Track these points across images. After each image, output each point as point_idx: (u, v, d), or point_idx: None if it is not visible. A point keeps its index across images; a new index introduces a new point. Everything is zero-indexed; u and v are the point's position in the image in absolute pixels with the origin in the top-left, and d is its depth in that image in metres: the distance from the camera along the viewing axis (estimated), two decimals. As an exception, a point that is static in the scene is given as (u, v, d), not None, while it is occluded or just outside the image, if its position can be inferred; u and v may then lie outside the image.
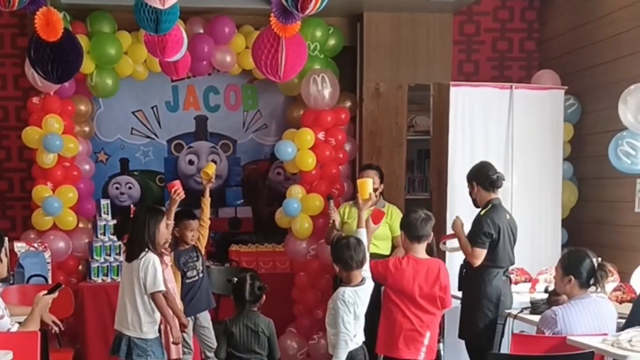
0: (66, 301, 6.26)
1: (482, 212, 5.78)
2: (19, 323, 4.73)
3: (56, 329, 5.11)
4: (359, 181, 5.94)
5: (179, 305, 5.95)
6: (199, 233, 6.37)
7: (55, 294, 4.86)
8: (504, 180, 5.87)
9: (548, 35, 8.19)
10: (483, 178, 5.81)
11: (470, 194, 5.90)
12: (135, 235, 5.34)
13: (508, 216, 5.82)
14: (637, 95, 5.95)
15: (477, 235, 5.68)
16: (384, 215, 5.74)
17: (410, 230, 5.32)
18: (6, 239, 4.86)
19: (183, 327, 5.83)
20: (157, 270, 5.27)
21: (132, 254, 5.32)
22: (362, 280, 5.06)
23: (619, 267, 5.96)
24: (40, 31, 4.90)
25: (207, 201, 6.46)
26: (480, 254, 5.66)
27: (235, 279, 5.16)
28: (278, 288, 6.39)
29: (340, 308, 4.89)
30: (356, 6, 7.50)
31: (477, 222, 5.75)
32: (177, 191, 6.03)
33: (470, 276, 5.81)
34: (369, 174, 6.47)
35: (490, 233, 5.65)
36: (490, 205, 5.77)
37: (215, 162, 7.97)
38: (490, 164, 5.93)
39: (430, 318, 5.29)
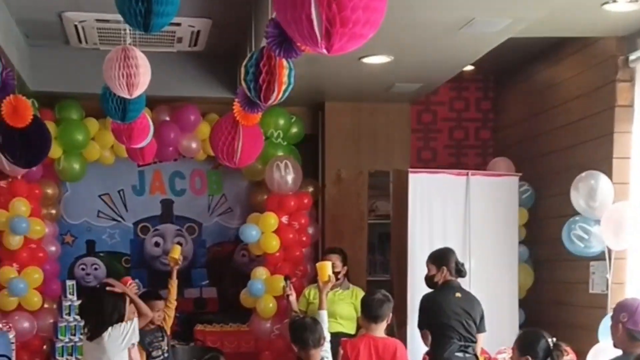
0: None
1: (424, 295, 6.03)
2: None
3: None
4: (318, 264, 6.13)
5: None
6: (165, 313, 6.42)
7: None
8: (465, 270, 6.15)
9: (502, 124, 8.46)
10: (452, 265, 6.01)
11: (432, 276, 6.02)
12: (101, 316, 5.36)
13: (459, 295, 5.97)
14: (588, 182, 6.12)
15: (419, 317, 5.94)
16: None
17: (367, 311, 5.43)
18: None
19: None
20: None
21: (97, 333, 5.34)
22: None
23: (575, 346, 6.01)
24: (8, 118, 4.98)
25: (174, 283, 6.52)
26: (423, 335, 5.90)
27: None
28: (242, 368, 6.46)
29: None
30: (318, 96, 7.74)
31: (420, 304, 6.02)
32: (131, 286, 5.95)
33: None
34: (331, 258, 6.59)
35: (423, 312, 5.92)
36: (440, 286, 6.00)
37: (180, 244, 8.03)
38: (453, 251, 6.15)
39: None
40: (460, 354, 5.89)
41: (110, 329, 5.24)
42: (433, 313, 5.89)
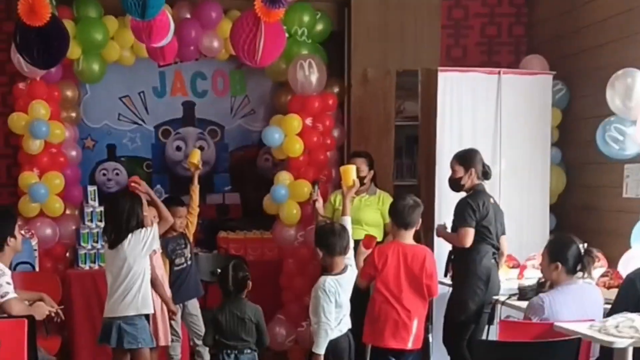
0: (53, 289, 6.27)
1: (464, 197, 5.82)
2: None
3: (56, 318, 5.13)
4: (342, 168, 5.94)
5: (168, 292, 5.94)
6: (187, 220, 6.35)
7: (54, 309, 5.14)
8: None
9: (536, 19, 8.15)
10: (480, 166, 5.85)
11: (459, 178, 5.86)
12: (118, 221, 5.30)
13: (492, 200, 5.87)
14: (624, 80, 5.96)
15: (462, 215, 5.71)
16: (375, 240, 5.68)
17: (397, 218, 5.33)
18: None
19: (172, 314, 5.84)
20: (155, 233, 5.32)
21: (117, 240, 5.28)
22: (345, 269, 5.07)
23: (606, 252, 5.94)
24: (25, 16, 4.86)
25: (195, 188, 6.45)
26: (469, 233, 5.68)
27: (219, 270, 5.18)
28: (266, 275, 6.39)
29: (321, 297, 4.89)
30: (344, -10, 7.44)
31: (462, 203, 5.78)
32: (134, 186, 5.78)
33: (459, 258, 5.84)
34: (356, 162, 6.44)
35: (476, 212, 5.68)
36: (473, 191, 5.81)
37: (202, 148, 7.97)
38: (479, 152, 5.95)
39: (416, 306, 5.30)
40: (493, 261, 5.83)
41: (130, 235, 5.20)
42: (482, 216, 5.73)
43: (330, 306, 4.90)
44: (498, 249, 5.88)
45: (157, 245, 5.44)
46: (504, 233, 5.92)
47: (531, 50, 7.95)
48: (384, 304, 5.24)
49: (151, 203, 5.59)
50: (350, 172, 5.77)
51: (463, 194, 5.93)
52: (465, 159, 5.90)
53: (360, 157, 6.60)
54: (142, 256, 5.27)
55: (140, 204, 5.36)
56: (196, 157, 6.47)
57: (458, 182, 5.88)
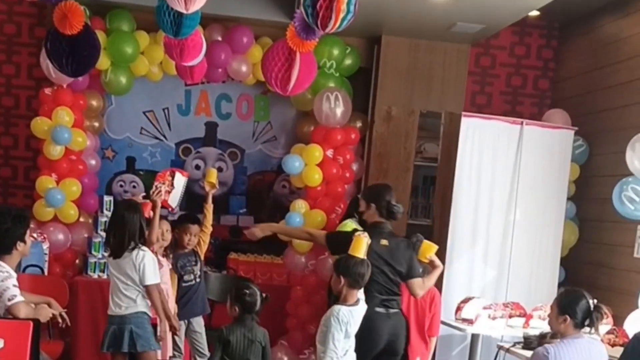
0: (61, 294, 6.27)
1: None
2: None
3: (62, 322, 5.14)
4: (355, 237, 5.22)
5: (173, 308, 5.95)
6: (200, 238, 6.37)
7: (57, 313, 5.08)
8: (400, 213, 5.59)
9: (562, 75, 8.23)
10: (383, 203, 5.49)
11: (362, 212, 5.62)
12: (121, 232, 5.34)
13: (383, 242, 5.43)
14: None
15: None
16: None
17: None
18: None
19: (174, 329, 5.84)
20: (152, 263, 5.32)
21: (120, 250, 5.32)
22: (357, 301, 5.05)
23: (613, 310, 5.96)
24: (58, 24, 4.86)
25: (209, 207, 6.47)
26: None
27: (247, 290, 5.01)
28: (273, 300, 6.32)
29: (333, 325, 4.84)
30: (375, 28, 7.50)
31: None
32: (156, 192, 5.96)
33: None
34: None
35: None
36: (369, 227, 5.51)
37: (220, 169, 8.01)
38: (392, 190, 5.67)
39: (419, 346, 5.31)
40: (381, 309, 5.43)
41: (127, 253, 5.24)
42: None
43: (340, 335, 4.85)
44: (396, 293, 5.46)
45: (153, 281, 5.39)
46: (413, 277, 5.46)
47: (555, 105, 8.03)
48: None
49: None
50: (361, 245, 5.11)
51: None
52: (368, 194, 5.69)
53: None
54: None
55: (142, 216, 5.39)
56: (213, 176, 6.50)
57: (361, 215, 5.69)
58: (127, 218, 5.37)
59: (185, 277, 6.32)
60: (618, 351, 5.18)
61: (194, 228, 6.37)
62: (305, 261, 7.30)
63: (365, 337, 5.15)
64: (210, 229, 6.47)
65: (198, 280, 6.37)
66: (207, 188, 6.53)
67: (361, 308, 5.06)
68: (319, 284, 7.12)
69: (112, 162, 8.16)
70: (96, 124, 7.76)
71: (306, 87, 5.07)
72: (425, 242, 5.51)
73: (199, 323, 6.41)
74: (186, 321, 6.32)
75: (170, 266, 6.19)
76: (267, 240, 7.83)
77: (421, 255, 5.44)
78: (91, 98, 7.48)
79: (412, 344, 5.28)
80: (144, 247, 5.33)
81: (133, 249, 5.30)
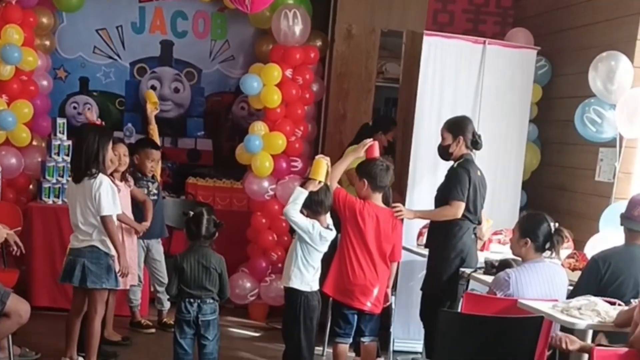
0: (14, 220, 6.14)
1: (455, 165, 5.62)
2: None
3: (17, 249, 5.00)
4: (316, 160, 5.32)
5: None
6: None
7: (11, 231, 4.99)
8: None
9: (525, -8, 8.08)
10: (470, 135, 5.65)
11: (448, 146, 5.66)
12: (82, 156, 5.18)
13: (479, 173, 5.70)
14: (608, 62, 5.99)
15: (456, 187, 5.51)
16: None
17: (372, 181, 5.26)
18: None
19: (137, 233, 5.78)
20: (110, 192, 5.15)
21: (80, 174, 5.17)
22: (328, 226, 5.05)
23: (574, 234, 5.97)
24: None
25: (154, 127, 6.49)
26: (462, 207, 5.52)
27: (192, 213, 4.97)
28: (233, 226, 6.26)
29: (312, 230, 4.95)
30: (335, -57, 7.32)
31: (456, 174, 5.58)
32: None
33: (438, 230, 5.67)
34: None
35: (468, 186, 5.54)
36: (463, 159, 5.63)
37: (177, 90, 7.88)
38: (472, 121, 5.79)
39: (382, 271, 5.30)
40: (473, 237, 5.71)
41: (87, 178, 5.10)
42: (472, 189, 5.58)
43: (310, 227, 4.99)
44: (479, 222, 5.79)
45: (108, 212, 5.23)
46: (482, 207, 5.79)
47: (517, 24, 7.88)
48: (355, 266, 5.22)
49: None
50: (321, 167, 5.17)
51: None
52: (455, 126, 5.69)
53: None
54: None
55: (106, 140, 5.22)
56: (153, 96, 6.43)
57: (446, 149, 5.69)
58: (85, 140, 5.20)
59: (139, 192, 6.24)
60: (578, 275, 5.21)
61: (156, 154, 6.27)
62: (267, 186, 7.13)
63: (467, 263, 5.57)
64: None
65: (153, 198, 6.24)
66: (150, 109, 6.41)
67: (331, 235, 5.09)
68: (281, 210, 6.95)
69: (64, 82, 7.97)
70: (47, 43, 7.54)
71: (268, 3, 4.87)
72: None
73: (158, 251, 6.36)
74: (145, 248, 6.25)
75: (130, 189, 6.06)
76: (226, 163, 7.82)
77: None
78: (41, 15, 7.25)
79: (380, 268, 5.28)
80: (101, 175, 5.15)
81: (93, 175, 5.12)
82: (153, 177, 6.31)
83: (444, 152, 5.73)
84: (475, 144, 5.66)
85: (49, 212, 6.75)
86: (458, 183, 5.52)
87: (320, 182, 5.05)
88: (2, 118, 6.78)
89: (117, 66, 8.04)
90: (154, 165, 6.20)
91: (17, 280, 5.93)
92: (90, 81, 8.01)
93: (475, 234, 5.72)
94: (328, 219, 5.12)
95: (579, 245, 5.92)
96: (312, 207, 5.01)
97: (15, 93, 6.96)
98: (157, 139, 6.42)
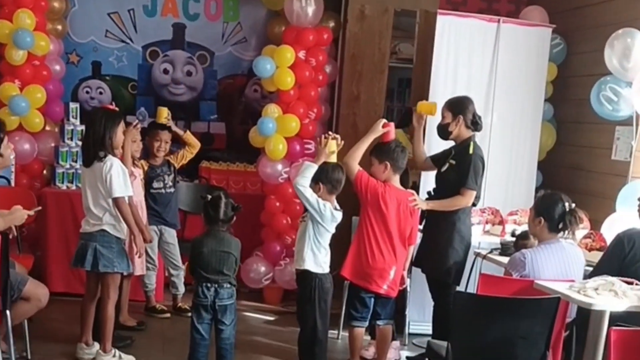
0: (28, 206, 6.10)
1: (471, 151, 5.53)
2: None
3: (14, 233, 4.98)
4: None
5: (144, 219, 5.85)
6: (185, 151, 6.42)
7: (32, 212, 4.89)
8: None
9: (540, -31, 7.99)
10: (470, 115, 5.61)
11: (447, 124, 5.63)
12: (92, 139, 5.16)
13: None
14: (624, 40, 5.94)
15: (472, 176, 5.47)
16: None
17: (396, 162, 5.22)
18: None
19: (146, 241, 5.73)
20: (121, 174, 5.11)
21: (90, 158, 5.15)
22: (336, 207, 5.06)
23: (591, 214, 5.93)
24: None
25: (187, 136, 6.50)
26: (473, 195, 5.52)
27: (209, 196, 4.88)
28: (247, 209, 6.23)
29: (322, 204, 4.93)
30: None
31: (473, 162, 5.49)
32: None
33: (444, 215, 5.60)
34: None
35: (481, 175, 5.54)
36: (473, 143, 5.58)
37: (190, 74, 7.93)
38: (473, 102, 5.73)
39: (401, 254, 5.29)
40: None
41: (96, 162, 5.08)
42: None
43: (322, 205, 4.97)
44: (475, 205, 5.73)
45: (120, 193, 5.19)
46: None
47: (532, 1, 7.79)
48: (375, 249, 5.22)
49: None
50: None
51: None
52: (456, 105, 5.66)
53: None
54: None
55: (115, 123, 5.18)
56: (163, 114, 6.33)
57: (445, 128, 5.66)
58: (92, 124, 5.18)
59: (155, 185, 6.23)
60: (595, 256, 5.19)
61: (164, 134, 6.27)
62: (280, 169, 7.06)
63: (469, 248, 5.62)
64: (197, 147, 6.52)
65: (169, 190, 6.25)
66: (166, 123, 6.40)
67: (340, 216, 5.06)
68: (295, 193, 6.95)
69: (77, 67, 7.95)
70: (59, 27, 7.52)
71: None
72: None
73: (171, 234, 6.35)
74: (158, 232, 6.25)
75: (142, 176, 6.08)
76: (240, 146, 7.78)
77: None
78: (53, -1, 7.22)
79: (399, 252, 5.26)
80: (111, 157, 5.12)
81: (102, 158, 5.10)
82: (171, 167, 6.31)
83: (443, 130, 5.70)
84: (475, 124, 5.62)
85: (62, 197, 6.74)
86: (474, 172, 5.48)
87: (332, 152, 5.07)
88: (15, 103, 6.78)
89: (130, 50, 8.02)
90: (163, 145, 6.21)
91: (32, 266, 5.95)
92: (103, 65, 8.00)
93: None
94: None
95: (596, 224, 5.87)
96: (332, 183, 5.00)
97: (27, 78, 6.95)
98: (193, 140, 6.48)
